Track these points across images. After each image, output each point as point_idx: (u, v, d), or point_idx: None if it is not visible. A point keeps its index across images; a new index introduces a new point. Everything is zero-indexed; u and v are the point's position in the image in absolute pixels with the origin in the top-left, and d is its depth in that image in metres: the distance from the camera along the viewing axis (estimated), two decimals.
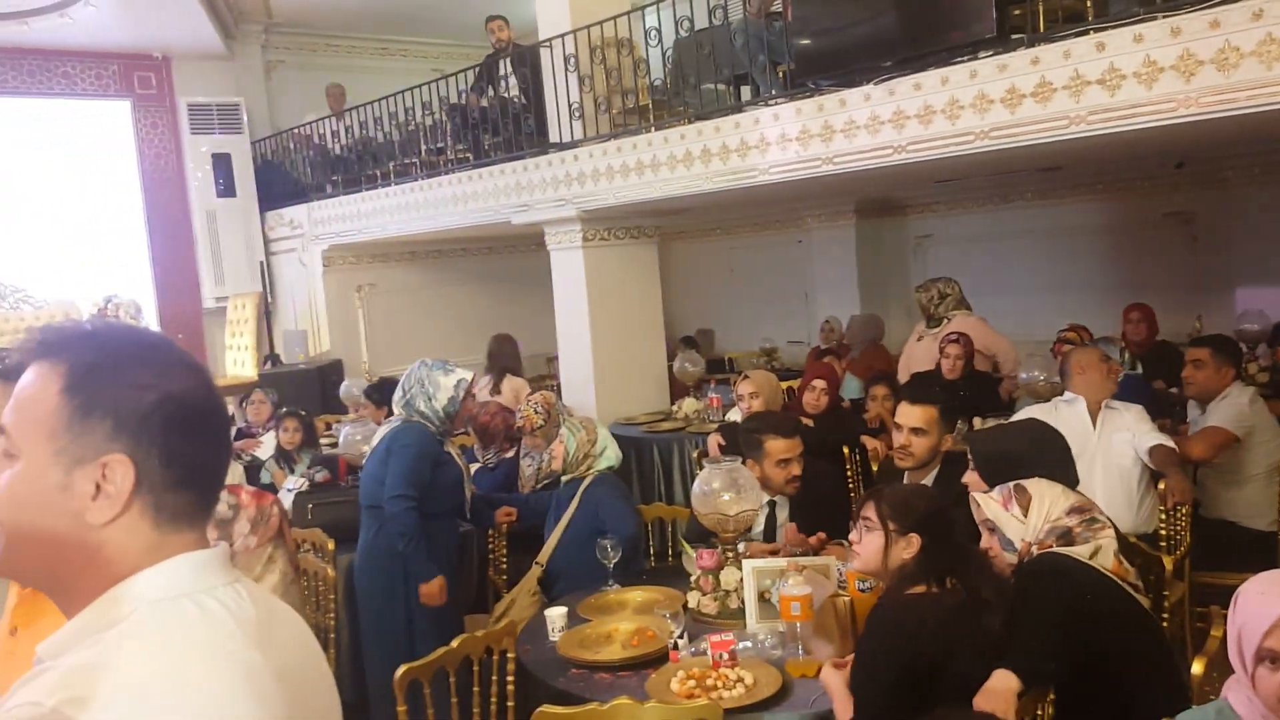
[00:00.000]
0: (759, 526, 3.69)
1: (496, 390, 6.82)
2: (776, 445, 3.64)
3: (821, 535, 3.47)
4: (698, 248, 11.83)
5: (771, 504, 3.72)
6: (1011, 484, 2.75)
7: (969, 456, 3.11)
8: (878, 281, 10.22)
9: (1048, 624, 2.44)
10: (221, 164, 10.25)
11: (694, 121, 5.97)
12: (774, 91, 5.62)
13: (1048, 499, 2.70)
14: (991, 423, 4.49)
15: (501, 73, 8.00)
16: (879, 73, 4.85)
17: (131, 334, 1.07)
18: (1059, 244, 9.10)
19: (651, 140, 6.19)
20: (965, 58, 4.55)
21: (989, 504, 2.76)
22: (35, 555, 1.00)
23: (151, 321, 9.74)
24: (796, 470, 3.64)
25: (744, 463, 3.51)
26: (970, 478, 3.06)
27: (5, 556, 1.01)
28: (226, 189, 10.30)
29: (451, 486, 3.94)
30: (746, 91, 6.06)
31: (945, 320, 6.26)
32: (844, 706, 2.43)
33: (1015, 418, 4.18)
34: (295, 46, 11.20)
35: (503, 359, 7.05)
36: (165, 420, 1.00)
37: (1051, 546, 2.64)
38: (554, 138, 7.03)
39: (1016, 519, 2.70)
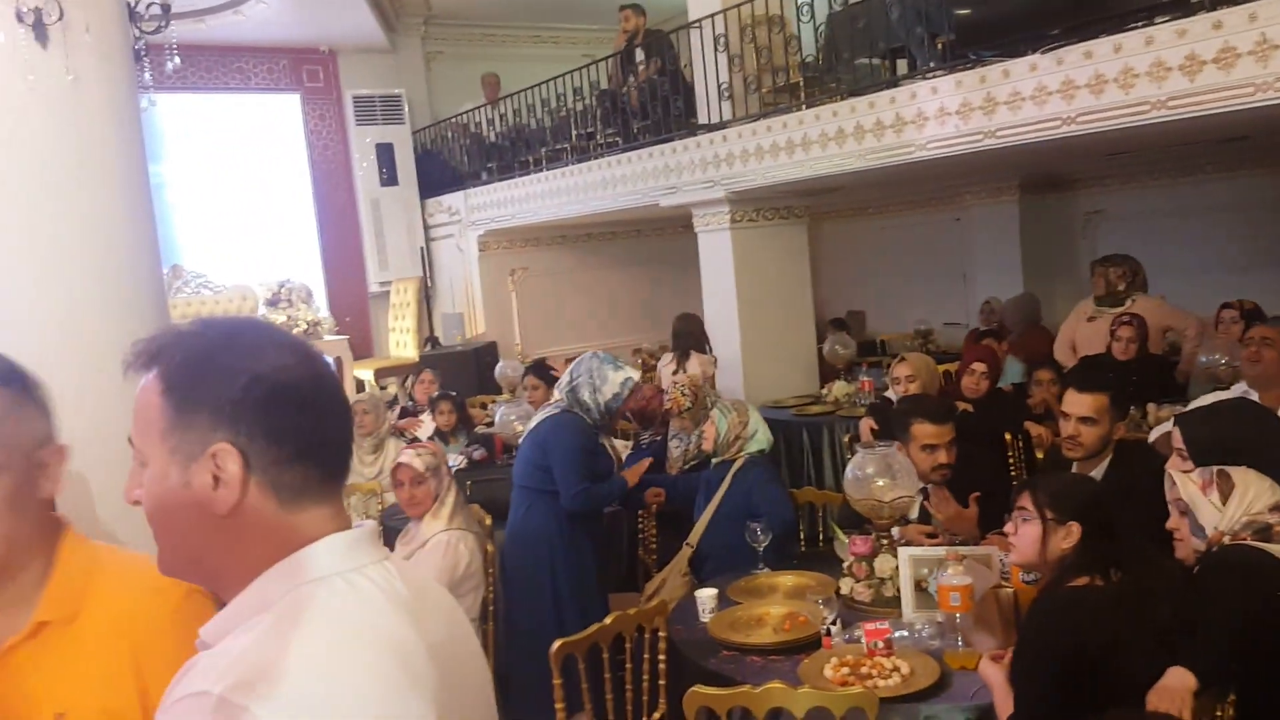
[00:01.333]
0: (914, 514, 3.59)
1: (682, 368, 6.85)
2: (923, 430, 3.53)
3: (976, 496, 3.35)
4: (849, 227, 11.59)
5: (925, 490, 3.62)
6: (1215, 468, 2.58)
7: (1176, 436, 2.93)
8: (1043, 260, 9.76)
9: (1232, 620, 2.28)
10: (384, 153, 10.66)
11: (847, 98, 5.84)
12: (932, 64, 5.44)
13: (1252, 491, 2.52)
14: (1166, 411, 4.23)
15: (637, 59, 8.05)
16: (1045, 41, 4.62)
17: (220, 325, 1.07)
18: (1243, 220, 8.48)
19: (802, 118, 6.08)
20: (1140, 24, 4.29)
21: (1186, 484, 2.59)
22: (185, 552, 1.05)
23: (321, 305, 10.22)
24: (944, 458, 3.49)
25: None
26: (1174, 460, 2.90)
27: (163, 557, 1.07)
28: (389, 178, 10.70)
29: (604, 477, 4.02)
30: (902, 65, 5.89)
31: (1129, 300, 5.91)
32: (1005, 701, 2.35)
33: (1199, 403, 3.90)
34: (453, 38, 11.53)
35: (688, 337, 7.04)
36: (260, 400, 1.00)
37: (1245, 540, 2.47)
38: (702, 119, 7.01)
39: (1214, 505, 2.53)
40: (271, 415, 1.00)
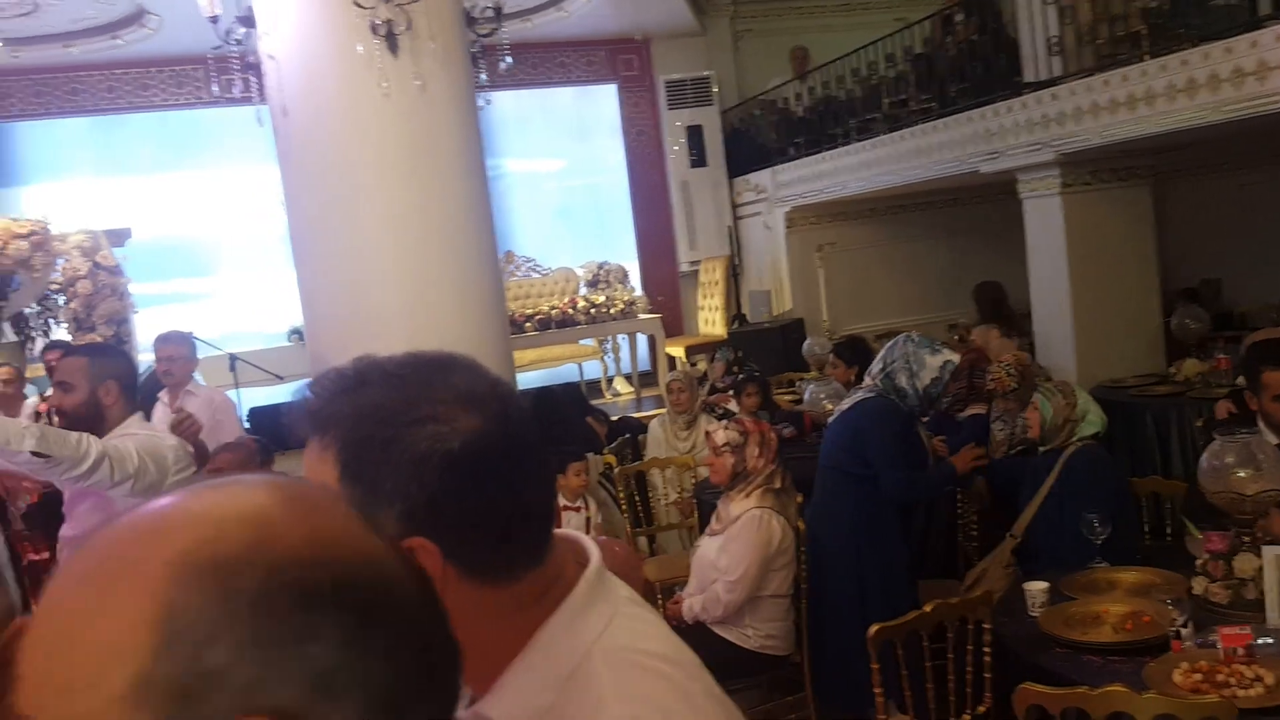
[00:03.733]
0: None
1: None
2: (1275, 378, 3.10)
3: None
4: (1200, 186, 10.38)
5: None
6: None
7: None
8: None
9: None
10: (694, 136, 10.88)
11: (1199, 44, 5.23)
12: None
13: None
14: None
15: (956, 19, 7.64)
16: None
17: (395, 388, 0.91)
18: None
19: (1146, 70, 5.51)
20: None
21: None
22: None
23: (636, 285, 10.63)
24: None
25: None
26: None
27: None
28: (698, 159, 10.92)
29: (918, 465, 3.88)
30: (1265, 3, 5.18)
31: None
32: None
33: None
34: (761, 14, 11.52)
35: (989, 305, 6.67)
36: (454, 490, 0.87)
37: None
38: (1028, 77, 6.55)
39: None
40: (468, 501, 0.88)
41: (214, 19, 4.25)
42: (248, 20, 4.22)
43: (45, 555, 3.82)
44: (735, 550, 3.56)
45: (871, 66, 8.53)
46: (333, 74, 4.03)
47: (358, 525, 0.61)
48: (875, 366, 3.95)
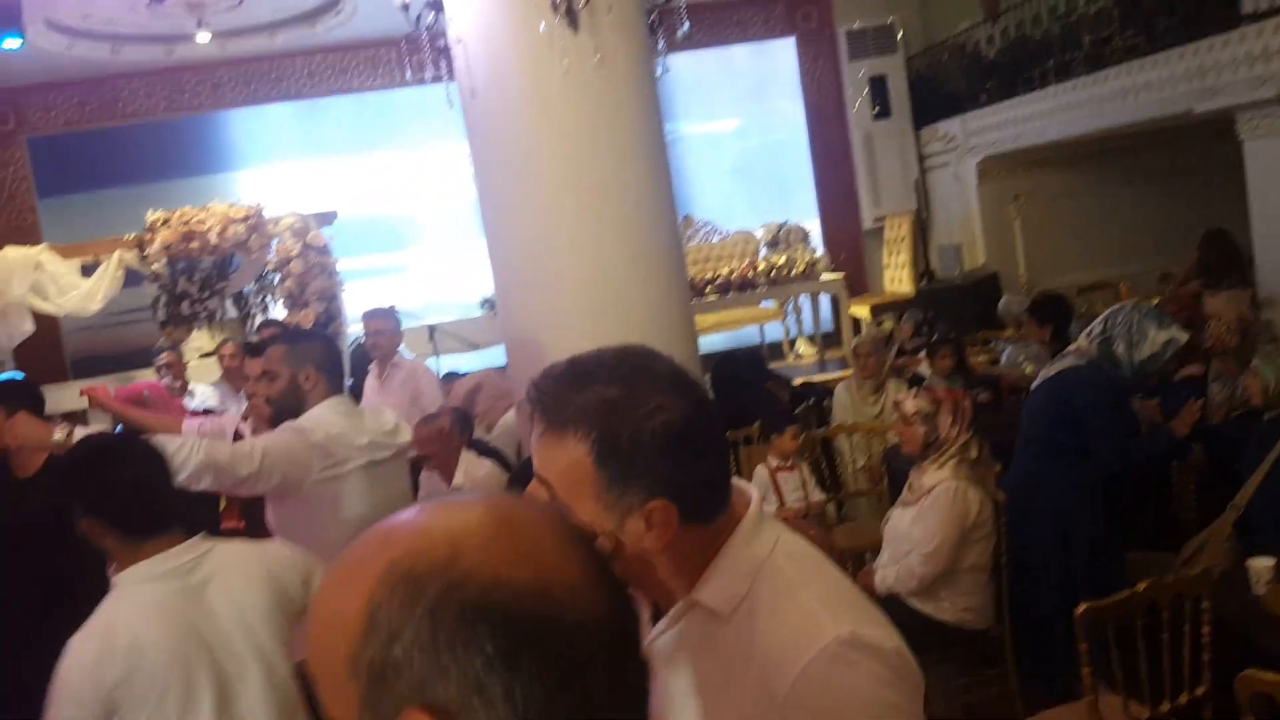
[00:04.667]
0: None
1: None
2: None
3: None
4: None
5: None
6: None
7: None
8: None
9: None
10: (877, 86, 10.52)
11: None
12: None
13: None
14: None
15: None
16: None
17: (624, 384, 1.17)
18: None
19: None
20: None
21: None
22: (633, 574, 1.18)
23: (817, 245, 10.43)
24: None
25: None
26: None
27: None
28: (882, 111, 10.57)
29: (1123, 440, 3.66)
30: None
31: None
32: None
33: None
34: None
35: (1220, 260, 6.17)
36: (683, 459, 1.16)
37: None
38: (1248, 8, 5.99)
39: None
40: (692, 470, 1.18)
41: (404, 6, 4.41)
42: (436, 5, 4.36)
43: (241, 525, 4.05)
44: (930, 523, 3.47)
45: (1070, 3, 8.01)
46: (516, 53, 4.12)
47: (559, 553, 0.70)
48: (1095, 328, 3.73)
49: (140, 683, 2.01)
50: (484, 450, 4.65)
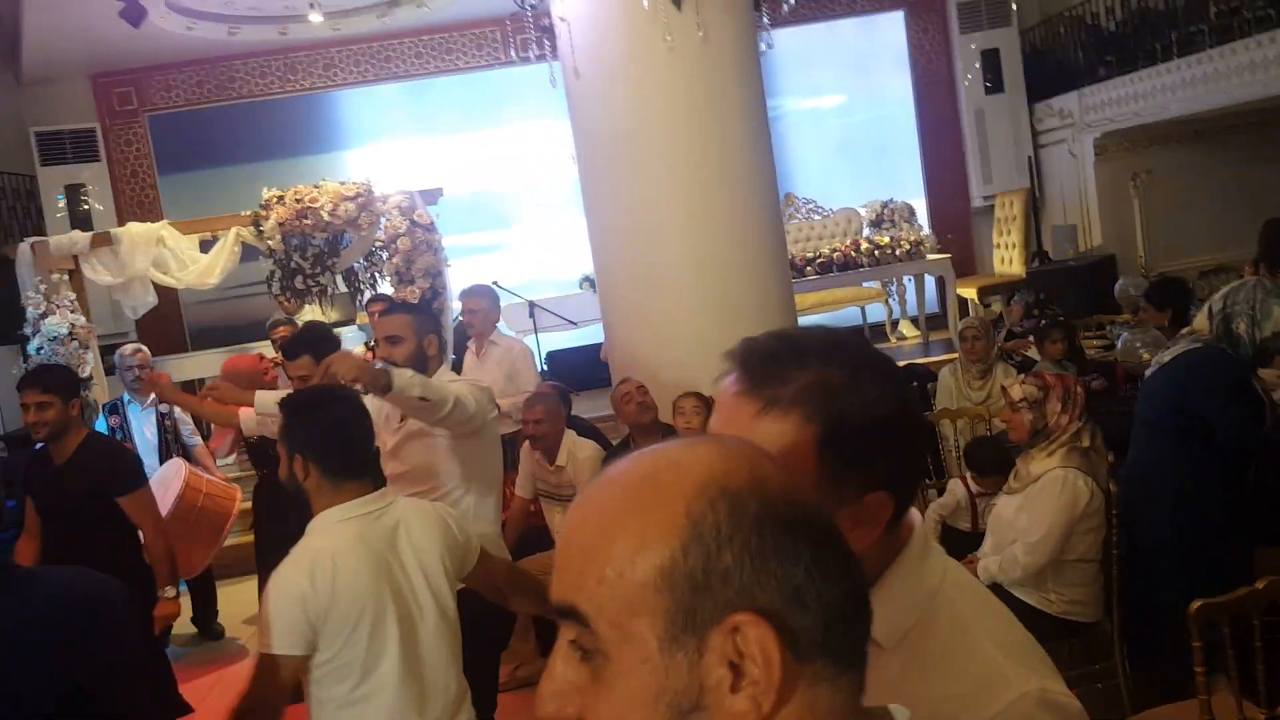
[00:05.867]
0: None
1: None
2: None
3: None
4: None
5: None
6: None
7: None
8: None
9: None
10: (989, 60, 10.21)
11: None
12: None
13: None
14: None
15: None
16: None
17: (841, 367, 1.08)
18: None
19: None
20: None
21: None
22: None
23: (923, 224, 10.19)
24: None
25: None
26: None
27: None
28: (994, 85, 10.25)
29: (1249, 422, 3.48)
30: None
31: None
32: None
33: None
34: None
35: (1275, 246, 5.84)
36: (901, 459, 1.11)
37: None
38: None
39: None
40: (906, 463, 1.14)
41: None
42: None
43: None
44: (1036, 511, 3.37)
45: None
46: (620, 31, 4.12)
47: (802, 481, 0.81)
48: (1214, 305, 3.56)
49: (341, 608, 2.21)
50: (583, 430, 4.69)
